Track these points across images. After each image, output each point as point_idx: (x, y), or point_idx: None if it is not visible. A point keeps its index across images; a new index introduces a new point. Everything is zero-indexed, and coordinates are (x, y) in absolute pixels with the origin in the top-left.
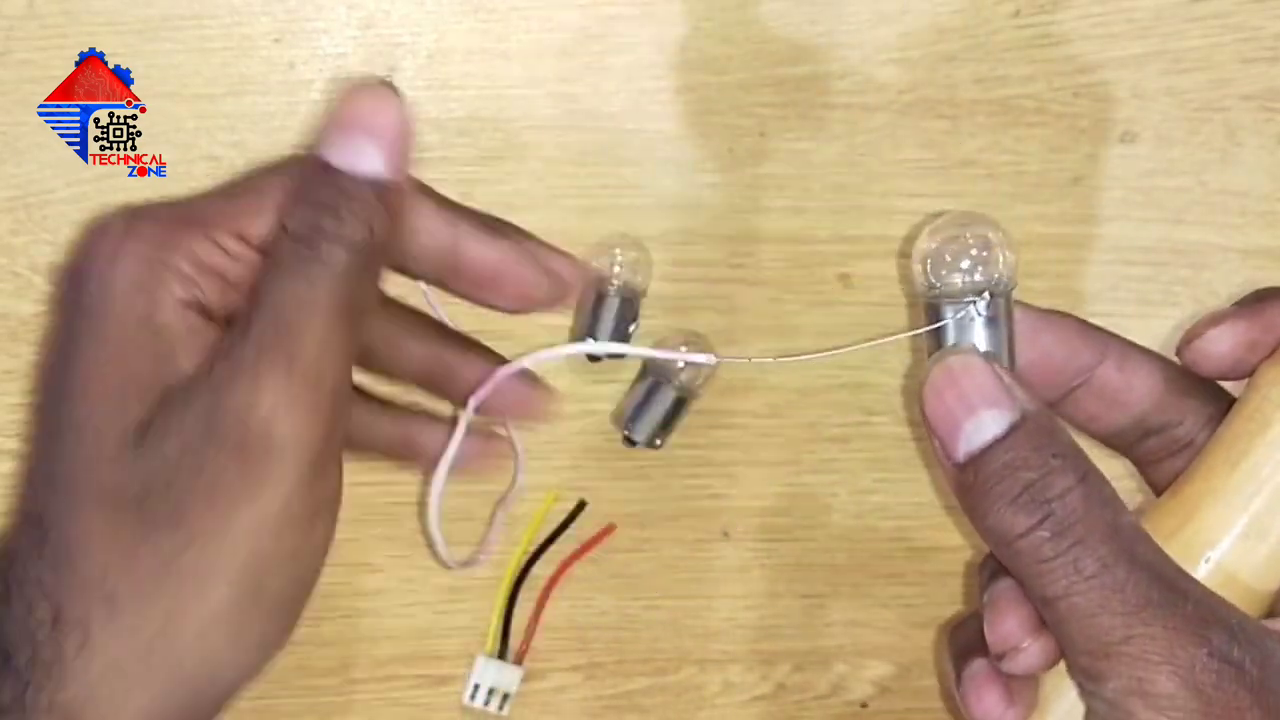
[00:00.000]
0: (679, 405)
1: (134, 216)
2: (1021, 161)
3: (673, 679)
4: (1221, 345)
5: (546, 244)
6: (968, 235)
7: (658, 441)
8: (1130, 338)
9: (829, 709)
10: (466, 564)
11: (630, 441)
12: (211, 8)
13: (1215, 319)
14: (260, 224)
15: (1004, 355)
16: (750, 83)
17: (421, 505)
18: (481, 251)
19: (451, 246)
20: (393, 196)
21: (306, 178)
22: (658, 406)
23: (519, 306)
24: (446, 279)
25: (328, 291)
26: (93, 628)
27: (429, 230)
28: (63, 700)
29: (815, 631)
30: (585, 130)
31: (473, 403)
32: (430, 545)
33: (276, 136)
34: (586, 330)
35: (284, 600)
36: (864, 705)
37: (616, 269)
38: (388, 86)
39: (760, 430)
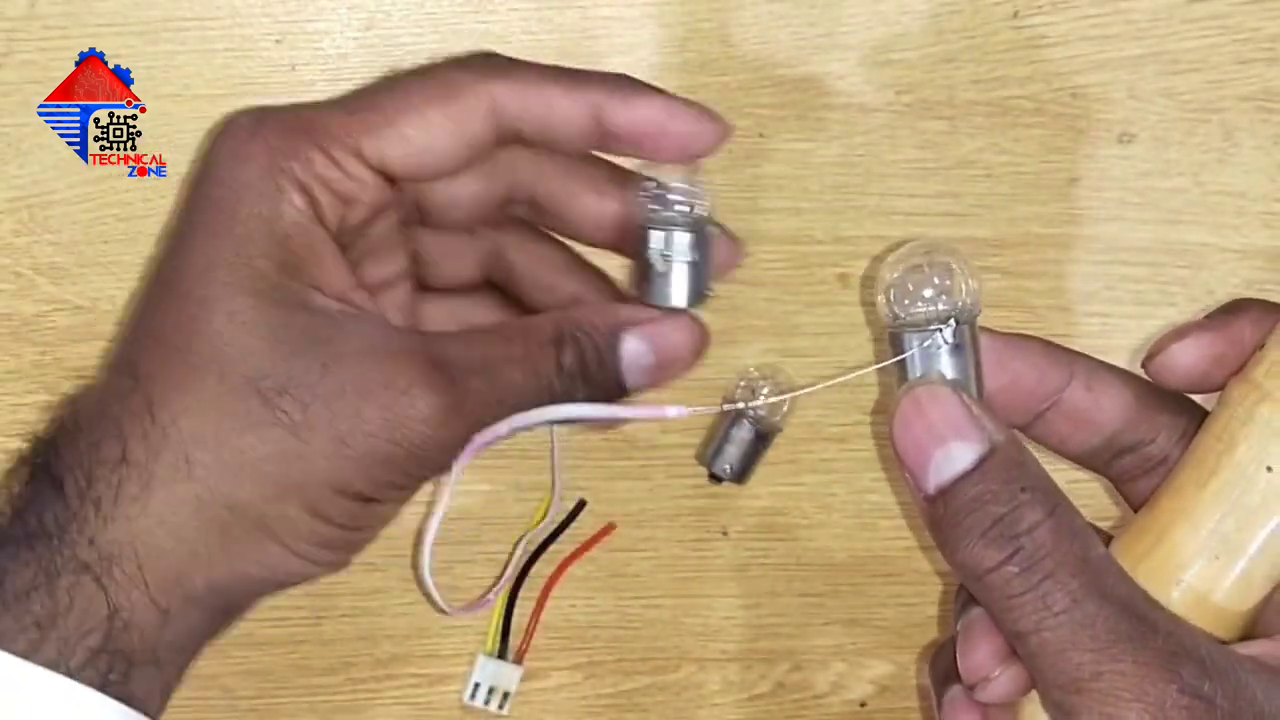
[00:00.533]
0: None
1: (259, 120)
2: (1019, 162)
3: (672, 678)
4: (1185, 359)
5: (682, 99)
6: (929, 264)
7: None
8: (1127, 338)
9: (828, 708)
10: (468, 608)
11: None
12: (213, 9)
13: (1180, 333)
14: (377, 144)
15: (971, 383)
16: (749, 84)
17: (416, 548)
18: (624, 116)
19: (593, 118)
20: (624, 393)
21: (595, 342)
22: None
23: (680, 158)
24: (602, 149)
25: (532, 400)
26: (156, 479)
27: (564, 111)
28: (104, 539)
29: (814, 631)
30: None
31: (457, 467)
32: (425, 593)
33: None
34: (714, 451)
35: (357, 522)
36: (863, 704)
37: (756, 403)
38: (697, 323)
39: None
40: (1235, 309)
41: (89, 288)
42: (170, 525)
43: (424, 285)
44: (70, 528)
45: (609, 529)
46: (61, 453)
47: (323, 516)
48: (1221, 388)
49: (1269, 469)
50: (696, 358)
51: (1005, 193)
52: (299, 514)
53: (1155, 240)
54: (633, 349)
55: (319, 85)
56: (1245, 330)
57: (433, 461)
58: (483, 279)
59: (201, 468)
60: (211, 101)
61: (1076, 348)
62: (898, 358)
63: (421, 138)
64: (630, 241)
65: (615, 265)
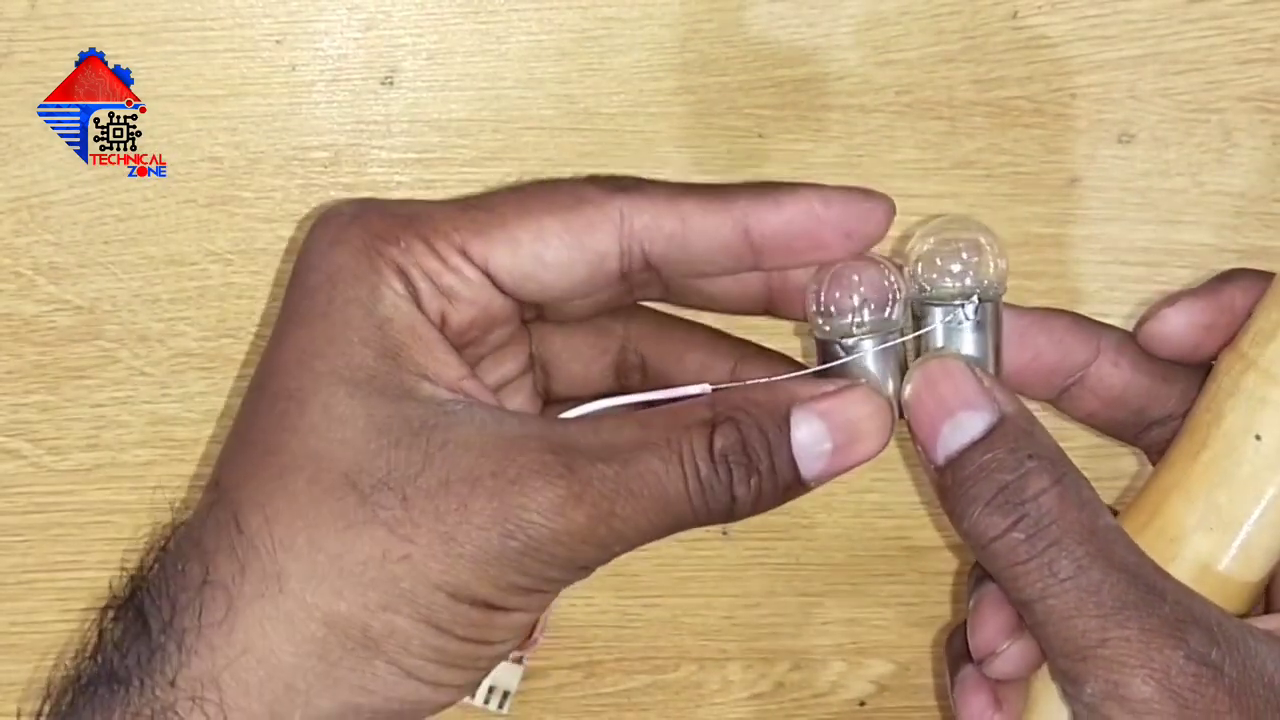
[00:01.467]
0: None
1: (362, 207)
2: (1019, 162)
3: (672, 677)
4: (1176, 326)
5: (833, 187)
6: (960, 239)
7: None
8: None
9: (827, 707)
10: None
11: None
12: (213, 9)
13: (1171, 299)
14: (484, 245)
15: (989, 360)
16: (749, 84)
17: None
18: (774, 219)
19: (738, 230)
20: (789, 499)
21: (762, 416)
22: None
23: (847, 248)
24: (755, 266)
25: (683, 510)
26: (243, 599)
27: (701, 225)
28: (185, 678)
29: (814, 630)
30: (584, 131)
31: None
32: None
33: (278, 138)
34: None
35: (481, 634)
36: (862, 704)
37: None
38: (892, 418)
39: None
40: (1227, 278)
41: (89, 288)
42: (259, 652)
43: (551, 397)
44: (152, 667)
45: None
46: (148, 583)
47: (438, 627)
48: (1214, 357)
49: (1257, 438)
50: (885, 438)
51: (1005, 193)
52: (410, 624)
53: (1155, 240)
54: (808, 429)
55: (319, 85)
56: (1236, 298)
57: (560, 559)
58: (617, 382)
59: (294, 580)
60: (212, 101)
61: None
62: (919, 331)
63: (534, 245)
64: (785, 305)
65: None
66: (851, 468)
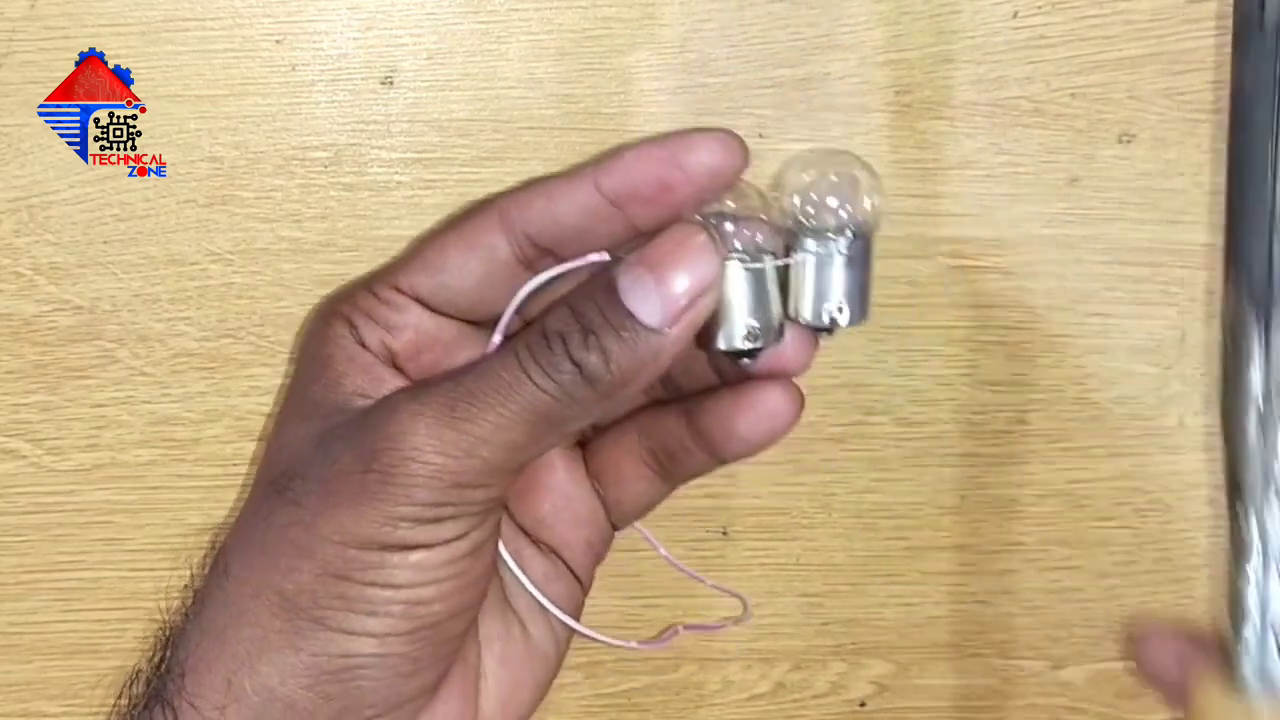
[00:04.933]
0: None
1: (343, 287)
2: (1018, 162)
3: (672, 677)
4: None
5: (673, 133)
6: (836, 174)
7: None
8: (1126, 338)
9: (827, 708)
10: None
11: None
12: (213, 9)
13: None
14: (409, 277)
15: (858, 299)
16: (749, 84)
17: None
18: (619, 172)
19: (594, 191)
20: (657, 358)
21: (590, 286)
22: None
23: (709, 183)
24: (630, 221)
25: (535, 396)
26: (206, 595)
27: (563, 196)
28: (174, 660)
29: (814, 630)
30: (585, 131)
31: (501, 326)
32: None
33: (278, 138)
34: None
35: (393, 578)
36: (862, 704)
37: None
38: (706, 231)
39: None
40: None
41: (89, 288)
42: (213, 632)
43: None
44: (157, 661)
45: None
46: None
47: (337, 575)
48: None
49: None
50: (710, 258)
51: (1005, 193)
52: (312, 578)
53: (1155, 240)
54: (628, 277)
55: (319, 85)
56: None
57: (425, 479)
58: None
59: (233, 566)
60: (212, 101)
61: (1076, 348)
62: (787, 260)
63: (438, 260)
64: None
65: None
66: (697, 297)
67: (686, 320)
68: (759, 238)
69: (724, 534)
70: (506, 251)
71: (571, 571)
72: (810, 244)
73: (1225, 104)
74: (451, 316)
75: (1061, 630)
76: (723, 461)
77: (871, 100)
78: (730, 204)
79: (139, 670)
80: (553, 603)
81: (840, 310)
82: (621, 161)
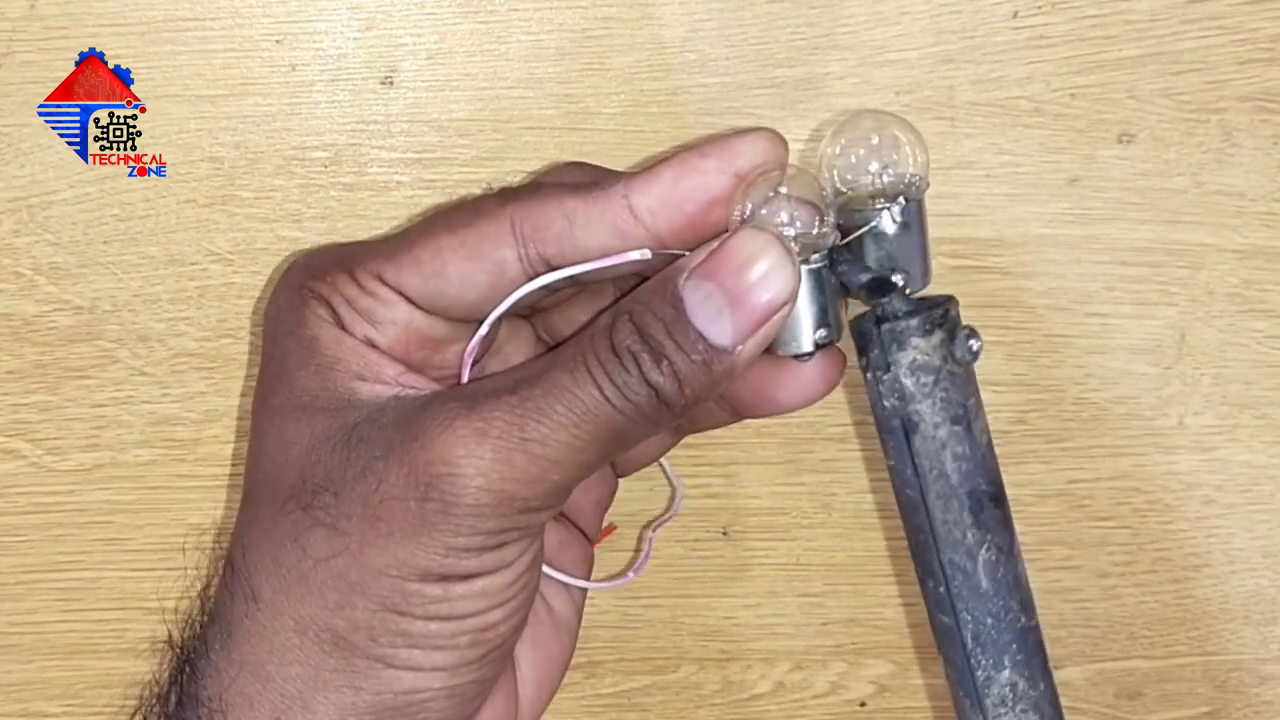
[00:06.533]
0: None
1: (305, 255)
2: (1018, 162)
3: (672, 677)
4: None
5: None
6: (876, 136)
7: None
8: (1126, 338)
9: (828, 708)
10: (614, 580)
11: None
12: (213, 9)
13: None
14: (397, 270)
15: (918, 261)
16: (749, 84)
17: None
18: (654, 190)
19: (627, 211)
20: (730, 375)
21: (652, 298)
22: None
23: (722, 202)
24: (664, 242)
25: (612, 417)
26: (235, 624)
27: (585, 217)
28: (204, 697)
29: (814, 630)
30: (585, 131)
31: (468, 358)
32: None
33: (278, 138)
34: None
35: (452, 609)
36: (862, 704)
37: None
38: (780, 242)
39: (759, 429)
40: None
41: (89, 288)
42: (252, 666)
43: None
44: (182, 689)
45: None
46: (194, 631)
47: (396, 610)
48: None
49: None
50: (788, 273)
51: (1005, 193)
52: (368, 615)
53: (1155, 240)
54: (696, 293)
55: (319, 85)
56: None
57: (489, 505)
58: None
59: (266, 596)
60: (212, 101)
61: (1076, 348)
62: (849, 237)
63: (433, 264)
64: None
65: None
66: (770, 314)
67: (760, 336)
68: (816, 227)
69: (724, 534)
70: (517, 268)
71: (582, 532)
72: (860, 217)
73: (1225, 104)
74: (441, 316)
75: (1061, 630)
76: (743, 418)
77: (871, 100)
78: (784, 189)
79: (157, 693)
80: (569, 570)
81: (900, 279)
82: (658, 178)
